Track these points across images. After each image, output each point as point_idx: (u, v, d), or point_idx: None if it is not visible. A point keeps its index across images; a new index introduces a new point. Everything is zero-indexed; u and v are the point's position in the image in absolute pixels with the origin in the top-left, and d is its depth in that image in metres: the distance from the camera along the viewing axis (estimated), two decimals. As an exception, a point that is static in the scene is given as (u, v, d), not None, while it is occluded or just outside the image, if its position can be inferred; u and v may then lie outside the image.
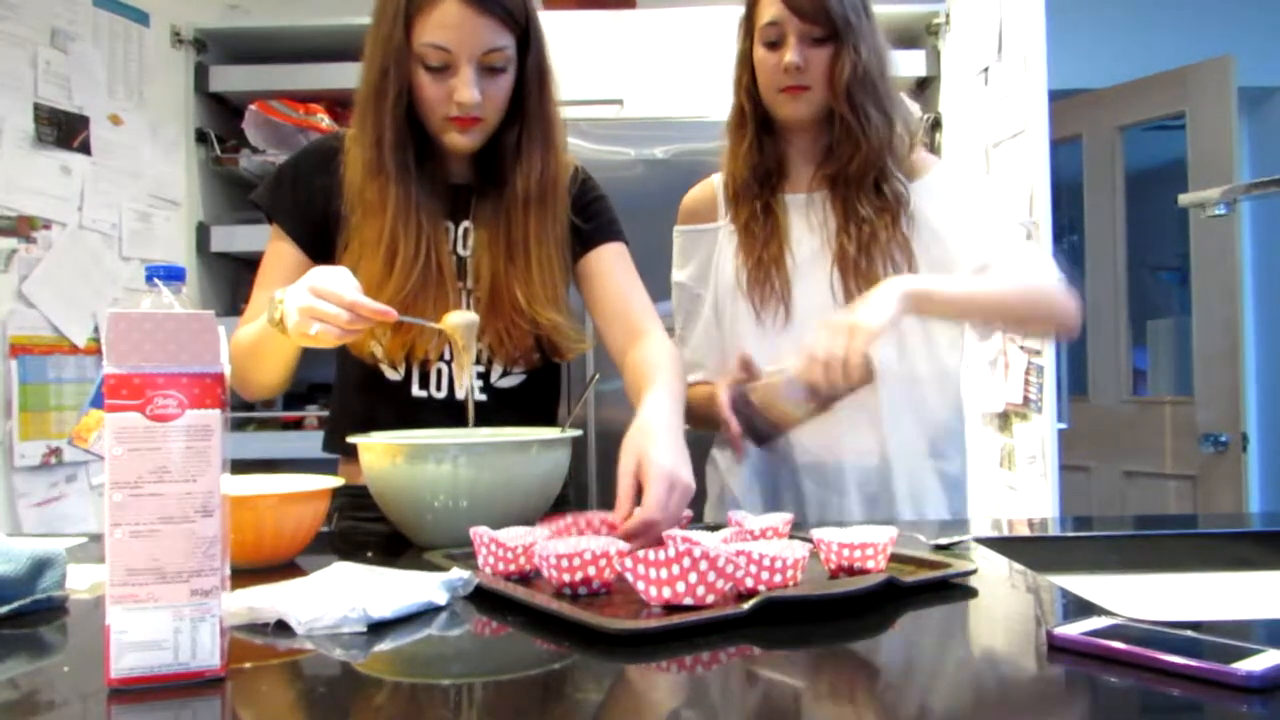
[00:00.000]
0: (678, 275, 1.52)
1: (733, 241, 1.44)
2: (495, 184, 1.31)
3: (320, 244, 1.30)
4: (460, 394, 1.25)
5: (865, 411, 1.35)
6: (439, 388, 1.31)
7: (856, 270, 1.36)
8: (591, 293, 1.37)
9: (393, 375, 1.31)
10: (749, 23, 1.39)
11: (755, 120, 1.41)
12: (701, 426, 1.49)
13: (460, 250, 1.32)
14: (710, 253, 1.47)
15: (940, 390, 1.43)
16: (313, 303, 1.03)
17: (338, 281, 1.04)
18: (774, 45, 1.34)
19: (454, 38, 1.17)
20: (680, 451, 1.05)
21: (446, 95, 1.20)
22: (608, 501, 1.05)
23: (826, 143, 1.41)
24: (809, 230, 1.41)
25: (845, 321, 1.14)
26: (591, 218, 1.37)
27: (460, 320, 1.18)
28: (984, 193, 1.48)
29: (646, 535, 0.97)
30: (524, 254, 1.29)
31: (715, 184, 1.51)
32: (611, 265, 1.36)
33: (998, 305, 1.30)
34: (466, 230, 1.33)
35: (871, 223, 1.36)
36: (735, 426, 1.26)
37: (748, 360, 1.32)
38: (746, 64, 1.40)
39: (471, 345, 1.19)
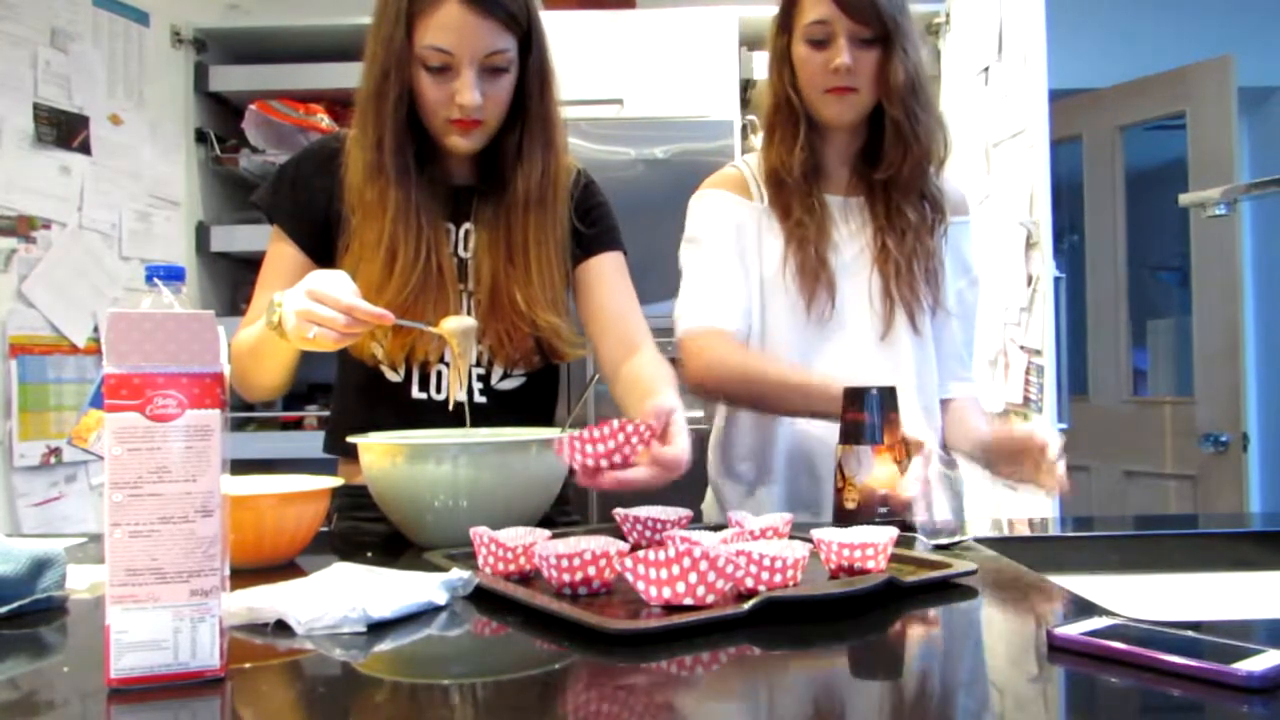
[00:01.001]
0: (695, 232, 1.45)
1: (776, 231, 1.41)
2: (496, 185, 1.30)
3: (321, 245, 1.30)
4: (459, 397, 1.25)
5: None
6: (439, 390, 1.31)
7: (898, 274, 1.37)
8: (587, 302, 1.36)
9: (393, 377, 1.31)
10: (787, 18, 1.36)
11: (804, 118, 1.38)
12: (736, 390, 1.41)
13: (461, 252, 1.32)
14: (738, 220, 1.42)
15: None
16: (310, 306, 1.02)
17: (335, 285, 1.04)
18: (819, 44, 1.32)
19: (455, 40, 1.16)
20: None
21: (448, 97, 1.19)
22: (607, 501, 1.05)
23: (861, 145, 1.41)
24: (848, 234, 1.41)
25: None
26: (593, 223, 1.37)
27: (457, 326, 1.17)
28: (978, 288, 1.52)
29: (671, 472, 1.00)
30: (524, 256, 1.28)
31: (742, 169, 1.47)
32: (609, 276, 1.36)
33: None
34: (467, 232, 1.33)
35: (916, 230, 1.37)
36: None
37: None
38: (786, 60, 1.37)
39: (469, 351, 1.19)
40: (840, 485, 1.19)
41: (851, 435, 1.19)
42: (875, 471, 1.17)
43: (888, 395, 1.19)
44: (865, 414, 1.18)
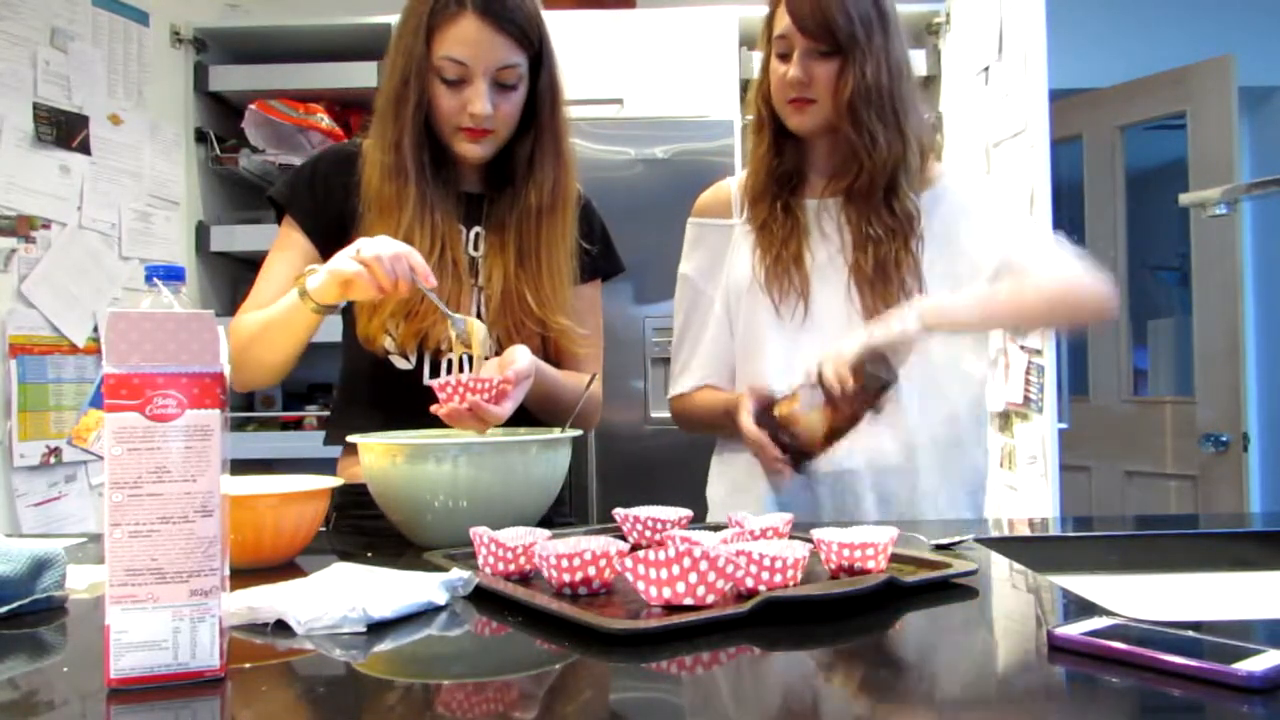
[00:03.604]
0: (684, 268, 1.51)
1: (749, 240, 1.43)
2: (507, 193, 1.35)
3: (333, 241, 1.31)
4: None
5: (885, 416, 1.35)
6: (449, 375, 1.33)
7: (874, 288, 1.37)
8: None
9: (403, 365, 1.34)
10: (768, 31, 1.39)
11: (772, 126, 1.41)
12: (707, 430, 1.49)
13: (471, 251, 1.36)
14: (721, 249, 1.47)
15: (962, 390, 1.44)
16: (373, 253, 1.10)
17: (389, 242, 1.12)
18: (784, 57, 1.35)
19: (470, 53, 1.23)
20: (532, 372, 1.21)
21: (460, 107, 1.26)
22: (608, 501, 1.05)
23: (839, 158, 1.41)
24: (822, 237, 1.42)
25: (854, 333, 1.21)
26: (597, 243, 1.45)
27: (480, 330, 1.23)
28: (995, 194, 1.50)
29: (483, 424, 1.13)
30: (534, 259, 1.34)
31: (730, 185, 1.51)
32: (584, 312, 1.42)
33: (1017, 313, 1.34)
34: (478, 235, 1.37)
35: (885, 243, 1.37)
36: (771, 449, 1.25)
37: (758, 388, 1.31)
38: (765, 71, 1.40)
39: (486, 350, 1.25)
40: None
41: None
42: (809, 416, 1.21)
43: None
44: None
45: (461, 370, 1.32)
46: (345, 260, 1.11)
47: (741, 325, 1.44)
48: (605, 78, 2.65)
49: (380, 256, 1.10)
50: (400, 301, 1.27)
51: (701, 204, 1.53)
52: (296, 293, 1.17)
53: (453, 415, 1.12)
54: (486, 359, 1.30)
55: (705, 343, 1.47)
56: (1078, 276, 1.33)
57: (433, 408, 1.14)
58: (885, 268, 1.36)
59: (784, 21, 1.33)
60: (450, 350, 1.33)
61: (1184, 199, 1.45)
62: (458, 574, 0.85)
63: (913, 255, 1.38)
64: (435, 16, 1.23)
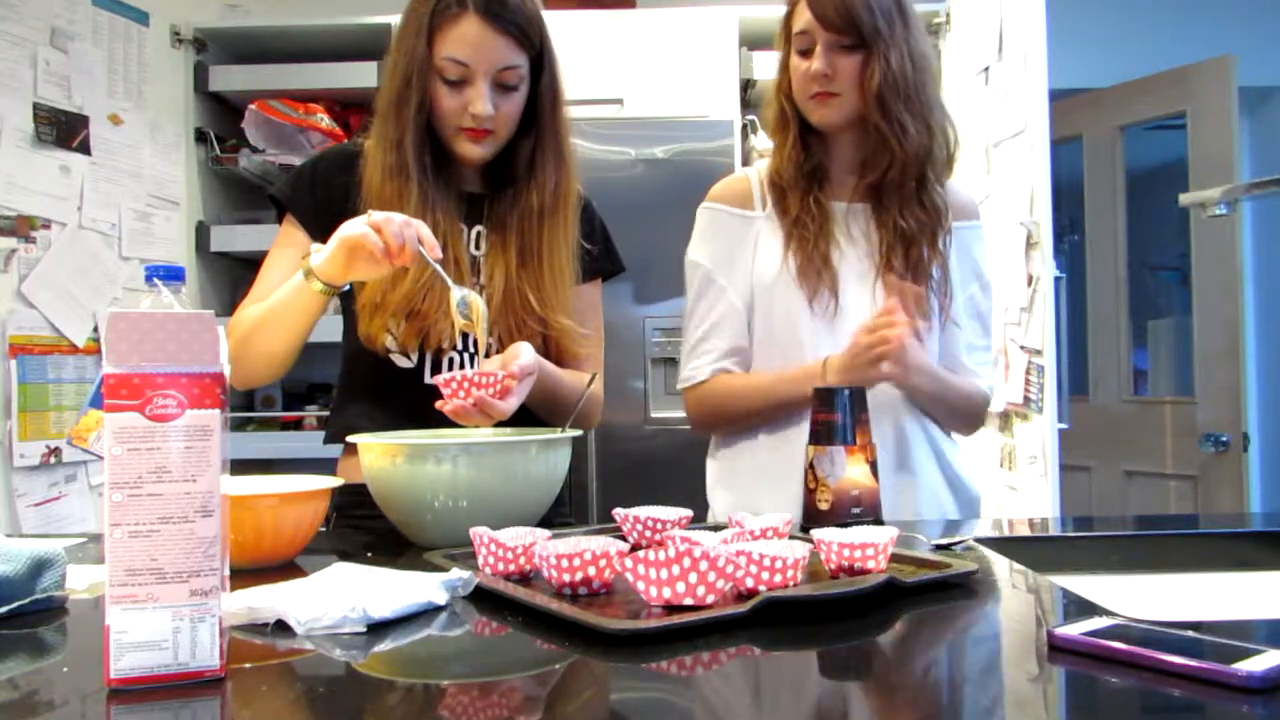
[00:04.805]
0: (695, 255, 1.48)
1: (776, 234, 1.42)
2: (508, 193, 1.36)
3: None
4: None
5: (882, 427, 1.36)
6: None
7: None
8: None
9: (404, 364, 1.34)
10: (786, 29, 1.40)
11: (796, 122, 1.42)
12: (736, 417, 1.44)
13: (473, 250, 1.37)
14: (739, 239, 1.45)
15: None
16: (384, 216, 1.11)
17: (399, 214, 1.14)
18: (805, 53, 1.36)
19: (472, 53, 1.24)
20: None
21: (462, 107, 1.27)
22: (608, 501, 1.05)
23: (865, 152, 1.42)
24: (850, 241, 1.42)
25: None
26: (597, 243, 1.45)
27: (482, 305, 1.22)
28: (985, 256, 1.52)
29: (487, 419, 1.13)
30: (536, 259, 1.34)
31: (750, 176, 1.49)
32: (584, 312, 1.42)
33: (948, 402, 1.44)
34: (479, 234, 1.37)
35: (916, 239, 1.38)
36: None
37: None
38: (785, 69, 1.41)
39: (485, 327, 1.25)
40: (813, 486, 1.19)
41: (823, 436, 1.19)
42: (849, 472, 1.17)
43: (858, 395, 1.19)
44: (837, 414, 1.18)
45: (464, 368, 1.33)
46: (354, 224, 1.12)
47: (771, 317, 1.42)
48: (605, 78, 2.65)
49: (390, 218, 1.11)
50: (402, 300, 1.27)
51: (718, 191, 1.50)
52: (301, 274, 1.18)
53: (458, 411, 1.13)
54: (488, 352, 1.31)
55: (724, 333, 1.44)
56: (986, 402, 1.51)
57: (438, 403, 1.14)
58: (917, 269, 1.38)
59: (805, 17, 1.34)
60: (451, 349, 1.33)
61: (1184, 199, 1.45)
62: (458, 574, 0.85)
63: (940, 252, 1.40)
64: (437, 17, 1.24)
